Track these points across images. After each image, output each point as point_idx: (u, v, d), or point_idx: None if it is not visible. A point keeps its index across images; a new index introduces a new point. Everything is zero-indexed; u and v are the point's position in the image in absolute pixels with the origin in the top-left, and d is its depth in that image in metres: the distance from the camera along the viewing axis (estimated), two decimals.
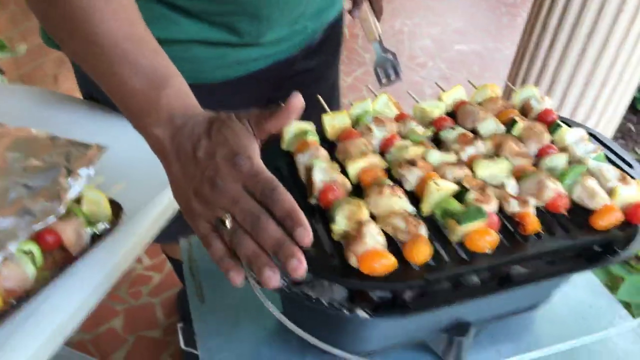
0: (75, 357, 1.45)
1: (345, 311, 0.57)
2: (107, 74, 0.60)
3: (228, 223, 0.50)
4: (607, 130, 1.55)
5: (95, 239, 0.78)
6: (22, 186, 0.74)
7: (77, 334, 1.64)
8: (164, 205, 0.87)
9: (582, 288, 0.89)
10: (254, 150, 0.54)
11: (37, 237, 0.72)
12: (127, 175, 0.86)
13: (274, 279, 0.47)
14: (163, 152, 0.57)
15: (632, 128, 2.83)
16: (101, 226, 0.78)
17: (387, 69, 1.26)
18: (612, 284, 1.76)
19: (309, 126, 0.70)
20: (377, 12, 1.22)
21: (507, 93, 1.66)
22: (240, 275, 0.50)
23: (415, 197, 0.64)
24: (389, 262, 0.53)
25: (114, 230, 0.80)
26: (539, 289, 0.75)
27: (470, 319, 0.71)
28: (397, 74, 1.27)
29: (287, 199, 0.49)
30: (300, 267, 0.46)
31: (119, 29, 0.60)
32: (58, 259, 0.74)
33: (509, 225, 0.62)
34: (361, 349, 0.69)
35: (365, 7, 1.19)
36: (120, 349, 1.62)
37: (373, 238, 0.54)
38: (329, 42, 1.13)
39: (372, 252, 0.53)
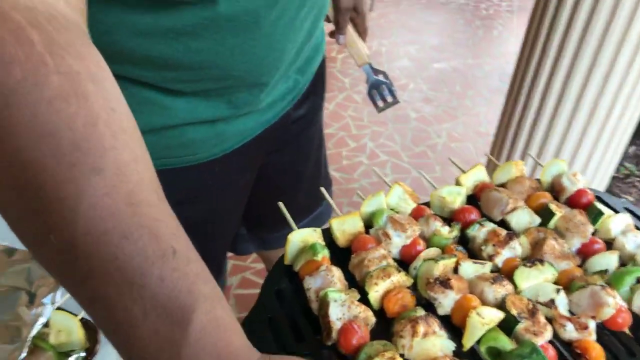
0: None
1: None
2: (93, 299, 0.36)
3: None
4: (609, 171, 1.48)
5: None
6: None
7: None
8: None
9: None
10: None
11: None
12: None
13: None
14: None
15: None
16: (75, 357, 0.66)
17: (382, 92, 1.19)
18: None
19: (316, 236, 0.59)
20: (363, 34, 1.14)
21: (495, 156, 1.58)
22: None
23: (449, 322, 0.54)
24: None
25: None
26: None
27: None
28: (393, 95, 1.19)
29: None
30: None
31: (114, 210, 0.35)
32: None
33: (567, 355, 0.52)
34: None
35: (351, 30, 1.09)
36: None
37: None
38: (317, 85, 1.05)
39: None
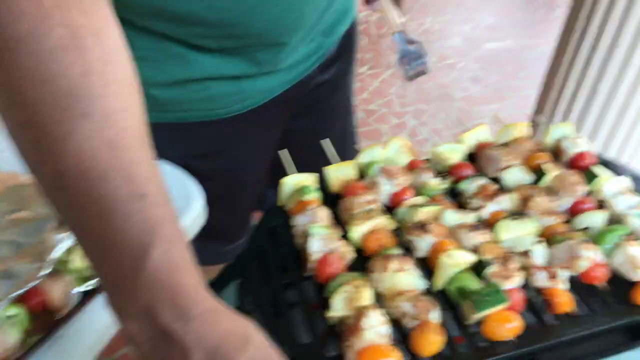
0: None
1: None
2: (73, 226, 0.42)
3: None
4: None
5: (89, 295, 0.73)
6: (9, 243, 0.70)
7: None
8: None
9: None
10: None
11: (23, 299, 0.67)
12: None
13: None
14: (137, 350, 0.40)
15: None
16: (94, 281, 0.73)
17: (412, 61, 1.18)
18: None
19: (310, 180, 0.63)
20: (398, 1, 1.14)
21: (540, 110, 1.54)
22: None
23: (427, 266, 0.56)
24: None
25: None
26: None
27: None
28: (423, 64, 1.18)
29: None
30: None
31: (97, 149, 0.40)
32: (46, 322, 0.69)
33: (537, 302, 0.54)
34: None
35: None
36: None
37: (373, 330, 0.47)
38: (344, 51, 1.07)
39: (370, 350, 0.46)
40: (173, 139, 0.88)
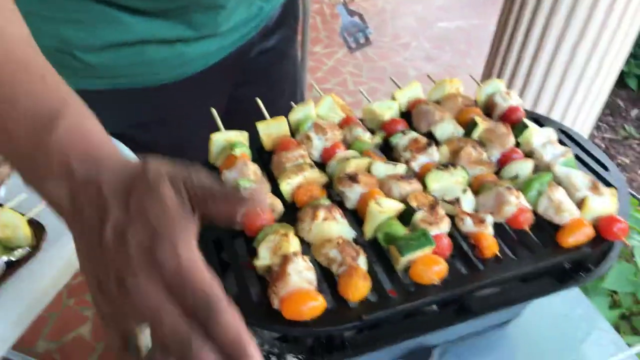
0: None
1: (273, 358, 0.50)
2: None
3: (141, 343, 0.37)
4: (589, 119, 1.47)
5: (14, 266, 0.70)
6: None
7: (42, 343, 1.57)
8: None
9: (556, 295, 0.82)
10: (186, 236, 0.37)
11: None
12: None
13: None
14: (62, 216, 0.41)
15: (621, 104, 2.75)
16: (20, 252, 0.70)
17: (355, 33, 1.19)
18: None
19: (240, 137, 0.61)
20: None
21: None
22: None
23: (358, 218, 0.56)
24: (316, 304, 0.46)
25: (36, 256, 0.72)
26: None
27: (431, 343, 0.64)
28: (366, 37, 1.20)
29: (230, 321, 0.34)
30: None
31: None
32: None
33: (465, 247, 0.54)
34: None
35: None
36: (89, 358, 1.55)
37: (299, 275, 0.46)
38: (286, 18, 1.06)
39: (296, 294, 0.45)
40: (110, 108, 0.85)
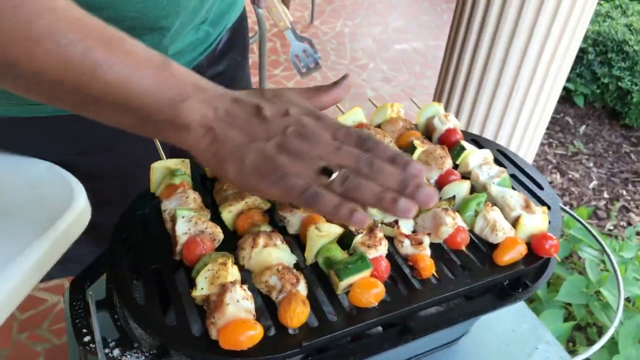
0: None
1: None
2: (96, 75, 0.49)
3: (336, 170, 0.47)
4: (536, 137, 1.52)
5: None
6: None
7: None
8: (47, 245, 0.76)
9: (504, 311, 0.84)
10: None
11: None
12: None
13: (413, 209, 0.45)
14: (205, 123, 0.49)
15: (570, 121, 2.86)
16: None
17: (305, 59, 1.21)
18: (554, 284, 1.75)
19: (180, 164, 0.61)
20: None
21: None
22: (366, 215, 0.46)
23: (300, 242, 0.57)
24: (254, 333, 0.46)
25: None
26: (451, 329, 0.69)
27: None
28: (316, 62, 1.22)
29: (385, 144, 0.49)
30: (434, 198, 0.46)
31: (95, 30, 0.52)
32: None
33: (404, 269, 0.55)
34: None
35: None
36: None
37: (237, 305, 0.46)
38: (234, 43, 1.07)
39: (233, 324, 0.45)
40: (53, 134, 0.84)
